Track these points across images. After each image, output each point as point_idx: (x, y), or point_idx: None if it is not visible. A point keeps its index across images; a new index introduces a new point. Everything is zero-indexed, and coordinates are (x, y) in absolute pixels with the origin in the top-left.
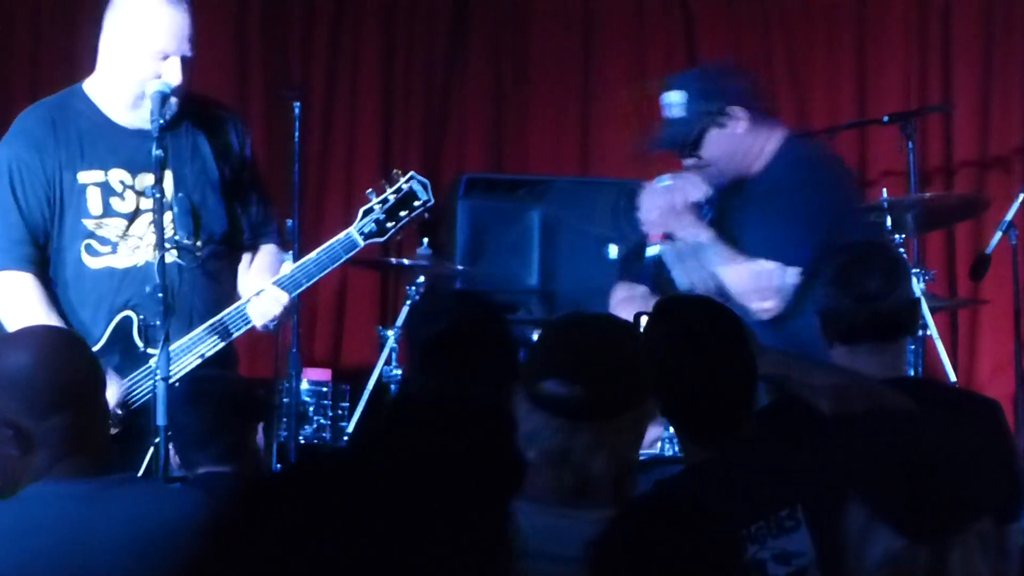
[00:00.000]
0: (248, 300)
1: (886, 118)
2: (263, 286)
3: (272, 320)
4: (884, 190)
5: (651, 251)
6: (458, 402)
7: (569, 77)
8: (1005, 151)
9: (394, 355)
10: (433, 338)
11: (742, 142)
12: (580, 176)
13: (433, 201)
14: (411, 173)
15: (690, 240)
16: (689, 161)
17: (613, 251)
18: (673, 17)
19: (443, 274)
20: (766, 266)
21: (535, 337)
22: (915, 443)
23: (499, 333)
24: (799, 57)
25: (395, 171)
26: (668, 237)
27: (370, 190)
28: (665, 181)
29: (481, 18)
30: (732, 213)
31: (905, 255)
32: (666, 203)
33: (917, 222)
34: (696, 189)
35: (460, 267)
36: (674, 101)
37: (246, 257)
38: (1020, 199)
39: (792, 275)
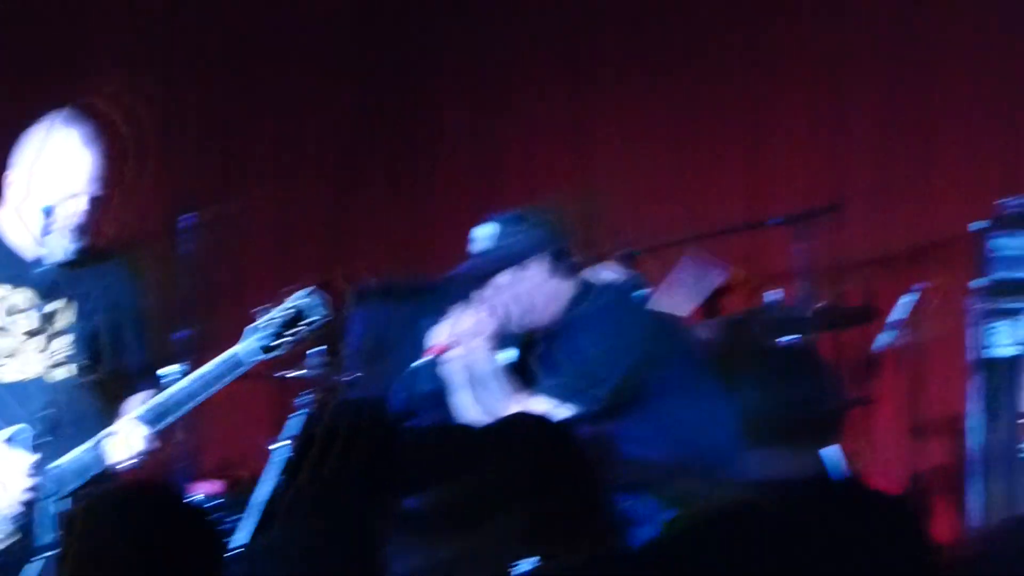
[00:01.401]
0: (103, 438)
1: (777, 220)
2: (121, 425)
3: (129, 457)
4: (776, 292)
5: (424, 360)
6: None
7: (471, 184)
8: (894, 252)
9: (289, 466)
10: (318, 446)
11: (537, 290)
12: None
13: (327, 317)
14: (304, 290)
15: (482, 366)
16: (485, 296)
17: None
18: (564, 120)
19: (338, 383)
20: (540, 405)
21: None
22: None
23: (388, 441)
24: (689, 156)
25: (291, 286)
26: (450, 351)
27: (262, 307)
28: (483, 302)
29: (378, 126)
30: (533, 356)
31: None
32: (474, 323)
33: (808, 323)
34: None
35: (355, 375)
36: (483, 235)
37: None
38: (908, 299)
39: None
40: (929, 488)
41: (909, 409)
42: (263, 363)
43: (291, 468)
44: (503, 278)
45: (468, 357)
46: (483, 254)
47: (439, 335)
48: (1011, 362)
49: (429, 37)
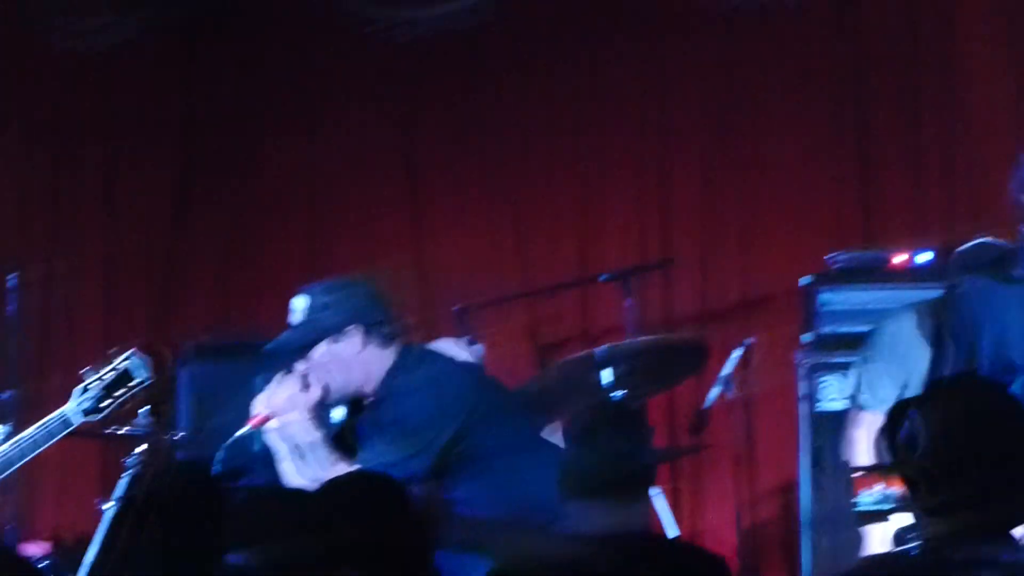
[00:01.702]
0: None
1: (606, 276)
2: None
3: None
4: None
5: (239, 432)
6: None
7: (296, 239)
8: (723, 307)
9: (115, 527)
10: (142, 507)
11: (353, 361)
12: None
13: (152, 379)
14: (132, 350)
15: (298, 436)
16: (301, 368)
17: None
18: (396, 178)
19: (165, 443)
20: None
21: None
22: None
23: (212, 503)
24: (522, 211)
25: (116, 348)
26: (269, 422)
27: (88, 368)
28: (297, 377)
29: (205, 187)
30: (359, 423)
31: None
32: (293, 394)
33: (638, 375)
34: (316, 395)
35: (183, 435)
36: (297, 307)
37: None
38: (737, 353)
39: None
40: (761, 542)
41: (740, 463)
42: (92, 422)
43: (117, 529)
44: (318, 350)
45: (287, 428)
46: (296, 327)
47: (258, 406)
48: (840, 416)
49: (255, 101)
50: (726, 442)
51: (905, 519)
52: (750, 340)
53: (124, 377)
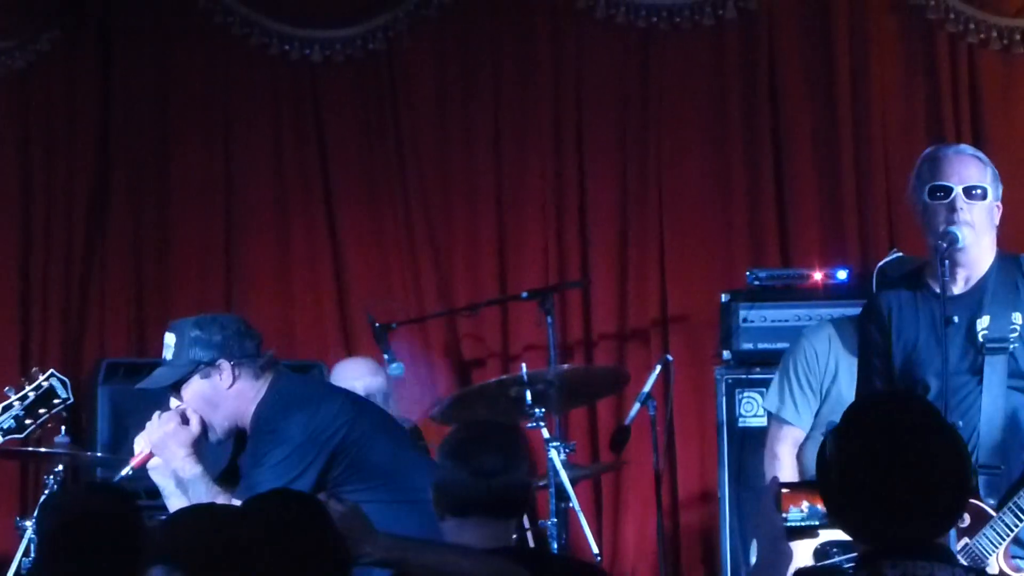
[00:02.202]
0: None
1: (525, 294)
2: None
3: None
4: (524, 365)
5: (123, 471)
6: None
7: (212, 259)
8: (642, 324)
9: (32, 546)
10: (59, 527)
11: (224, 394)
12: None
13: (72, 400)
14: (51, 371)
15: (180, 472)
16: (177, 404)
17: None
18: (313, 196)
19: (83, 462)
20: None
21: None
22: None
23: (129, 523)
24: (440, 231)
25: (35, 369)
26: (151, 460)
27: (8, 387)
28: (176, 413)
29: (120, 200)
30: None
31: (545, 429)
32: (171, 432)
33: (559, 396)
34: (195, 430)
35: (101, 454)
36: (167, 343)
37: None
38: (656, 371)
39: None
40: (683, 558)
41: (661, 479)
42: (12, 442)
43: (34, 549)
44: (190, 386)
45: (168, 465)
46: (167, 363)
47: (139, 444)
48: (760, 432)
49: (169, 117)
50: (646, 459)
51: (832, 535)
52: (669, 357)
53: (46, 396)
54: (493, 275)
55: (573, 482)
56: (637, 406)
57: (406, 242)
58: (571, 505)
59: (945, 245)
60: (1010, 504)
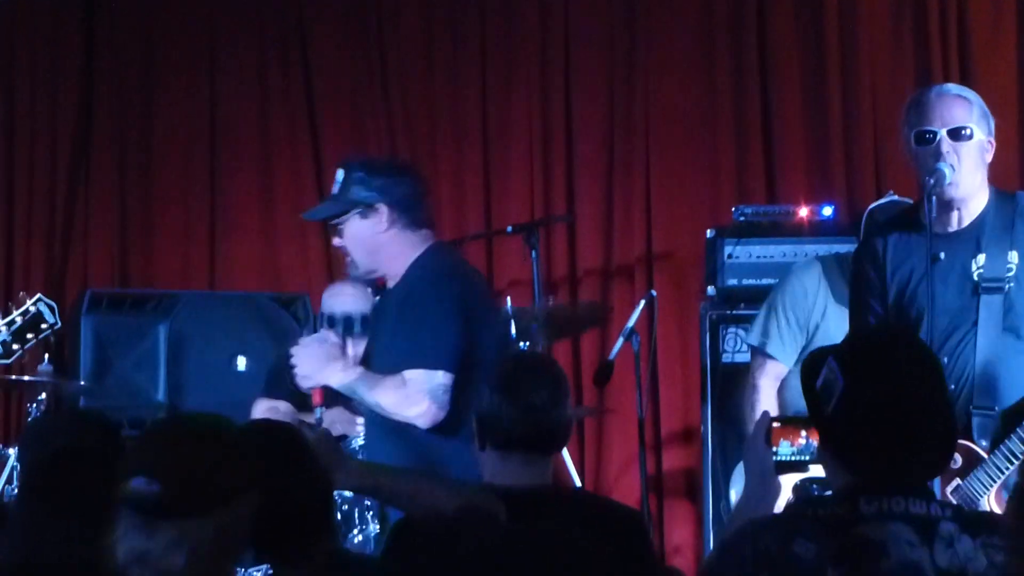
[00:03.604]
0: None
1: (510, 228)
2: None
3: None
4: (509, 299)
5: (318, 412)
6: None
7: (196, 190)
8: (627, 260)
9: (15, 474)
10: (44, 458)
11: (378, 240)
12: (208, 290)
13: (60, 324)
14: (38, 295)
15: (347, 382)
16: (336, 241)
17: (242, 363)
18: (298, 129)
19: (67, 391)
20: (410, 375)
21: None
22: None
23: (113, 452)
24: (426, 165)
25: (21, 293)
26: (325, 390)
27: None
28: (314, 337)
29: (104, 131)
30: (384, 322)
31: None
32: (317, 356)
33: (543, 331)
34: (336, 341)
35: (84, 383)
36: (336, 179)
37: None
38: (641, 306)
39: (439, 376)
40: (666, 494)
41: (645, 414)
42: None
43: (16, 478)
44: (349, 223)
45: (334, 382)
46: (329, 198)
47: (304, 371)
48: (744, 368)
49: (153, 48)
50: (629, 394)
51: (818, 471)
52: (654, 293)
53: (34, 321)
54: (479, 209)
55: None
56: (621, 341)
57: None
58: None
59: (932, 182)
60: (1001, 447)
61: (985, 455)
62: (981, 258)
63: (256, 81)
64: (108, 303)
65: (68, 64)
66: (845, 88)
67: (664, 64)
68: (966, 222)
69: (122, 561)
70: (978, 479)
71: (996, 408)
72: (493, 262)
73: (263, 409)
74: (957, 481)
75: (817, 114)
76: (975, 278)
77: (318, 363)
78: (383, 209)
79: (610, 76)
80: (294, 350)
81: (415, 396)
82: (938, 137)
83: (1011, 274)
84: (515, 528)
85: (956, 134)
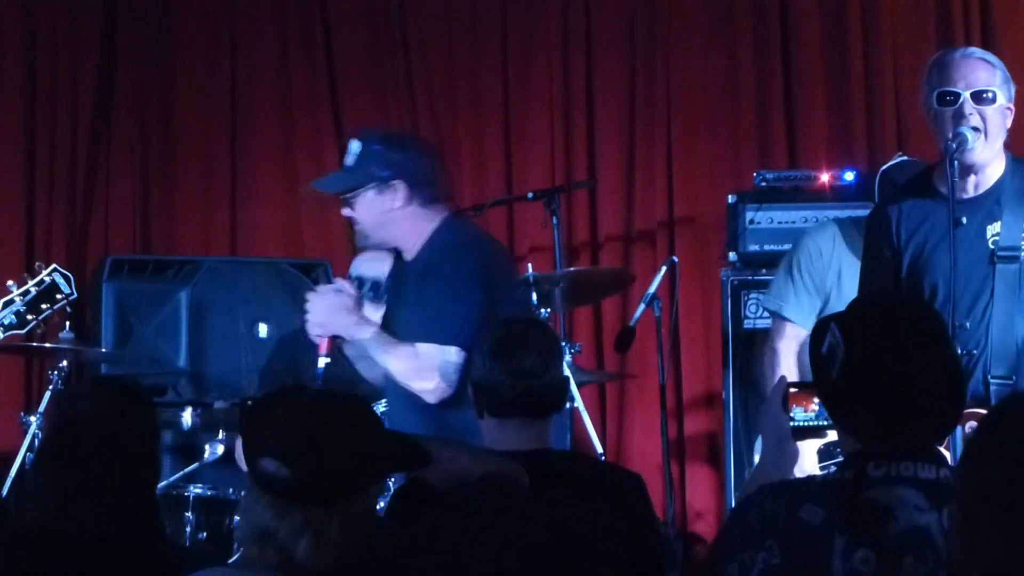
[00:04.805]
0: None
1: (531, 194)
2: None
3: None
4: (530, 265)
5: (321, 362)
6: None
7: (217, 156)
8: (648, 226)
9: (38, 442)
10: (70, 425)
11: (392, 216)
12: (229, 256)
13: (76, 295)
14: (53, 266)
15: (356, 339)
16: (345, 211)
17: (263, 330)
18: (318, 94)
19: (88, 358)
20: (423, 348)
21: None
22: (538, 520)
23: (140, 419)
24: (446, 131)
25: (38, 264)
26: (336, 339)
27: (11, 282)
28: (331, 287)
29: (125, 97)
30: (397, 297)
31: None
32: (331, 305)
33: (564, 296)
34: (352, 293)
35: (106, 350)
36: (350, 150)
37: None
38: (662, 272)
39: (451, 354)
40: (687, 458)
41: (667, 380)
42: (14, 337)
43: (40, 444)
44: (363, 197)
45: (346, 335)
46: (345, 170)
47: (318, 319)
48: (765, 333)
49: (174, 12)
50: (651, 359)
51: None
52: (675, 259)
53: (49, 291)
54: (499, 175)
55: (579, 386)
56: (642, 307)
57: None
58: (575, 405)
59: (955, 146)
60: None
61: None
62: (996, 225)
63: (277, 49)
64: (129, 269)
65: (89, 31)
66: (866, 53)
67: (686, 29)
68: (983, 188)
69: (242, 536)
70: None
71: (1014, 378)
72: (514, 228)
73: None
74: None
75: (839, 79)
76: (991, 246)
77: (333, 313)
78: (399, 185)
79: (630, 42)
80: (309, 296)
81: (425, 371)
82: (961, 99)
83: None
84: (539, 494)
85: (979, 97)
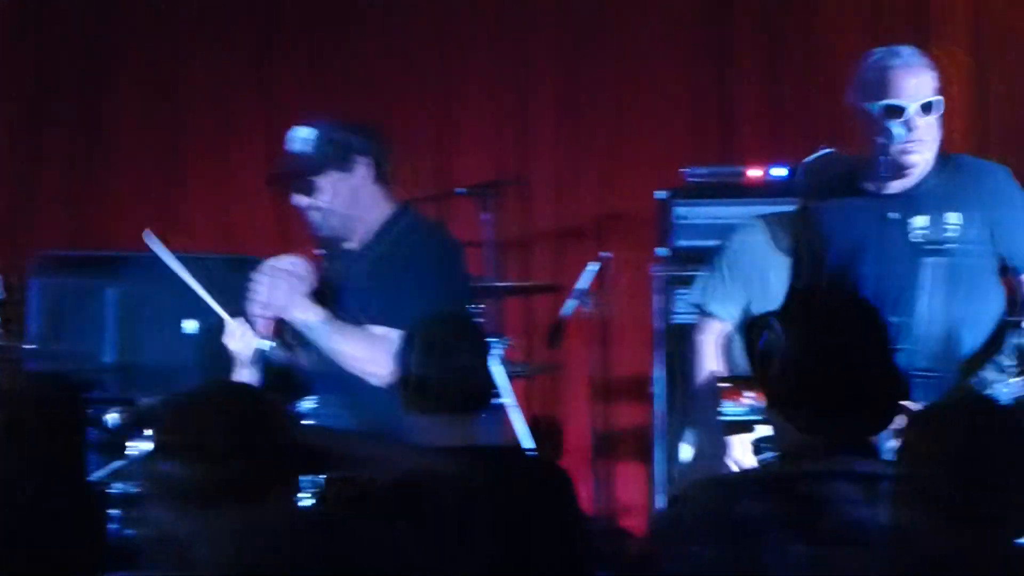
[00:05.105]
0: None
1: (463, 190)
2: None
3: None
4: None
5: (261, 344)
6: None
7: (152, 148)
8: (580, 221)
9: None
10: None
11: (358, 195)
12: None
13: (4, 296)
14: None
15: (301, 322)
16: (303, 200)
17: (191, 326)
18: (253, 86)
19: (14, 354)
20: (379, 332)
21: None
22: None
23: (68, 414)
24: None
25: None
26: (279, 323)
27: None
28: (280, 263)
29: (63, 84)
30: (347, 283)
31: (484, 323)
32: (281, 284)
33: (497, 289)
34: (308, 273)
35: (32, 346)
36: (301, 136)
37: None
38: (593, 268)
39: None
40: (617, 453)
41: (597, 375)
42: None
43: None
44: (325, 180)
45: (293, 317)
46: (304, 154)
47: (264, 298)
48: (694, 328)
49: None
50: (581, 354)
51: (767, 430)
52: (606, 254)
53: None
54: (431, 171)
55: (509, 379)
56: (573, 303)
57: None
58: (505, 400)
59: (883, 141)
60: None
61: None
62: (921, 219)
63: (216, 42)
64: (57, 265)
65: (23, 27)
66: (801, 44)
67: (619, 22)
68: (910, 183)
69: (144, 539)
70: None
71: (936, 371)
72: (447, 224)
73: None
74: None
75: (771, 73)
76: (916, 239)
77: (282, 293)
78: (363, 162)
79: (564, 37)
80: (257, 274)
81: (380, 356)
82: (907, 113)
83: (952, 235)
84: (467, 487)
85: (926, 108)
